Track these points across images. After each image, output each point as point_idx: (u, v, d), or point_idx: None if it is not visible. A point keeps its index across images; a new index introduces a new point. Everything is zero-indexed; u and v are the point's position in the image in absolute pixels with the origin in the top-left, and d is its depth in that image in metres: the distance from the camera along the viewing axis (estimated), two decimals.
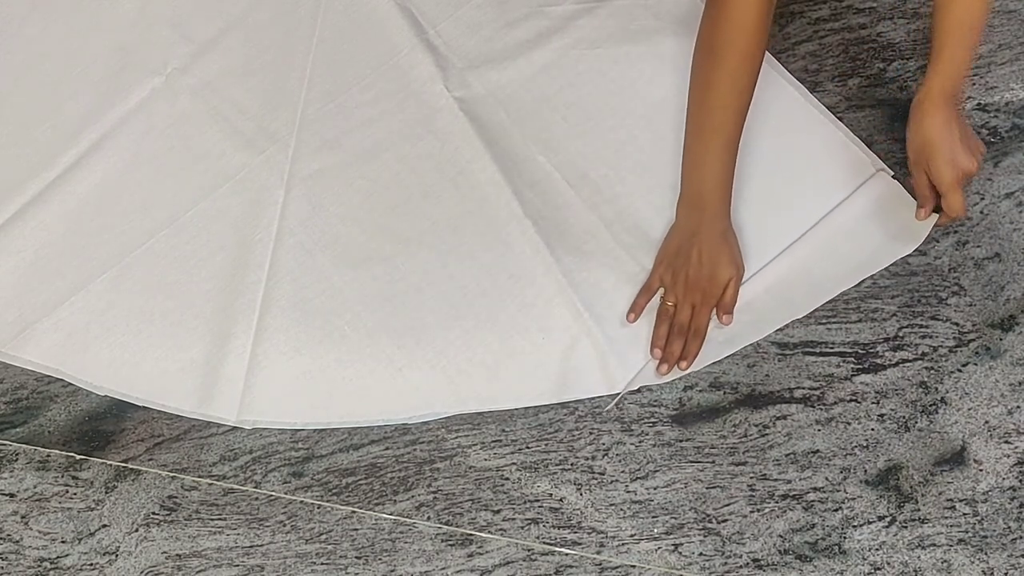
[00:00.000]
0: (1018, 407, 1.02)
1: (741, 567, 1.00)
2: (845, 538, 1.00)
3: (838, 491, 1.01)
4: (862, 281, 1.09)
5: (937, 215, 1.05)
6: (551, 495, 1.05)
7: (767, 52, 1.07)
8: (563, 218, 1.14)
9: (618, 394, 1.06)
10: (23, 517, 1.10)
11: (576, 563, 1.01)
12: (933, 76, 1.02)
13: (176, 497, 1.09)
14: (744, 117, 1.04)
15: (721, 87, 1.02)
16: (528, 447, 1.07)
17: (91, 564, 1.07)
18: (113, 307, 1.15)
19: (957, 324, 1.06)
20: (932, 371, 1.05)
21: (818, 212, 1.10)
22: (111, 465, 1.11)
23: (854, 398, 1.05)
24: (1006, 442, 1.01)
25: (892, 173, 1.11)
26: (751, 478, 1.03)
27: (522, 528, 1.04)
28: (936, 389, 1.04)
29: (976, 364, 1.05)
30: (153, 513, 1.09)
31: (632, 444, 1.06)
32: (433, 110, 1.21)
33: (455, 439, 1.08)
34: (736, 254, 1.07)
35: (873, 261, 1.09)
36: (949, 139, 1.02)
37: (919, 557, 0.98)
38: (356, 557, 1.04)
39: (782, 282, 1.08)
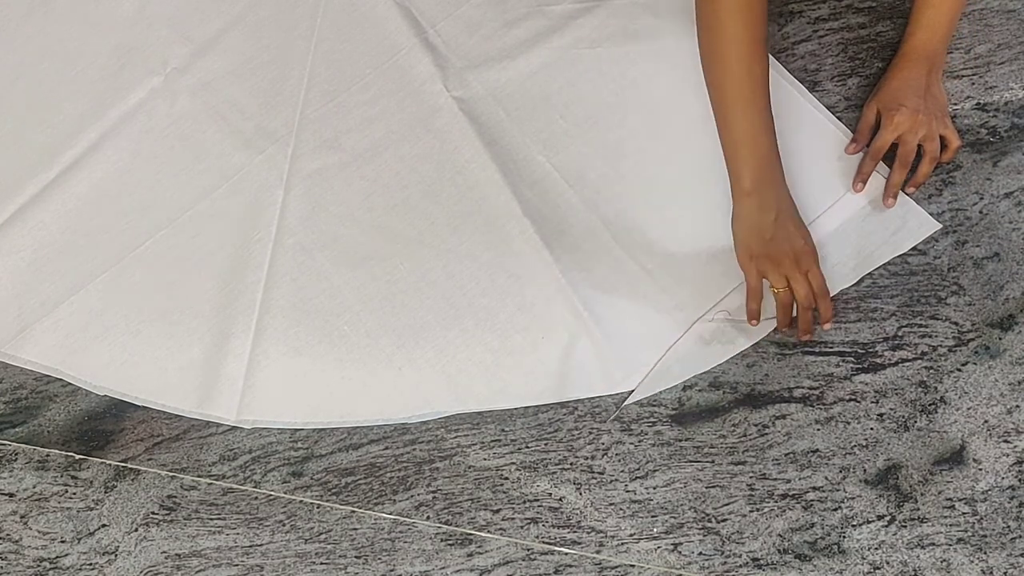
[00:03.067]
0: (1017, 406, 1.03)
1: (740, 566, 1.00)
2: (844, 537, 1.00)
3: (837, 490, 1.02)
4: (861, 280, 1.09)
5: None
6: (550, 495, 1.05)
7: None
8: (563, 217, 1.14)
9: (624, 399, 1.06)
10: (22, 517, 1.10)
11: (575, 562, 1.01)
12: (909, 36, 1.06)
13: (175, 497, 1.09)
14: (767, 89, 1.03)
15: (735, 78, 1.02)
16: (527, 447, 1.07)
17: (90, 564, 1.07)
18: (112, 307, 1.15)
19: (956, 323, 1.06)
20: (931, 370, 1.05)
21: (816, 212, 1.10)
22: (110, 465, 1.11)
23: (853, 397, 1.05)
24: (1005, 441, 1.01)
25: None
26: (750, 477, 1.03)
27: (521, 527, 1.04)
28: (935, 388, 1.04)
29: (975, 363, 1.05)
30: (152, 513, 1.09)
31: (631, 444, 1.06)
32: (432, 109, 1.21)
33: (454, 439, 1.08)
34: (799, 216, 1.05)
35: (872, 258, 1.09)
36: (915, 94, 1.05)
37: (918, 556, 0.98)
38: (355, 557, 1.04)
39: None
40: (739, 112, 1.03)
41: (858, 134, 1.12)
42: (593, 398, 1.08)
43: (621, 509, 1.03)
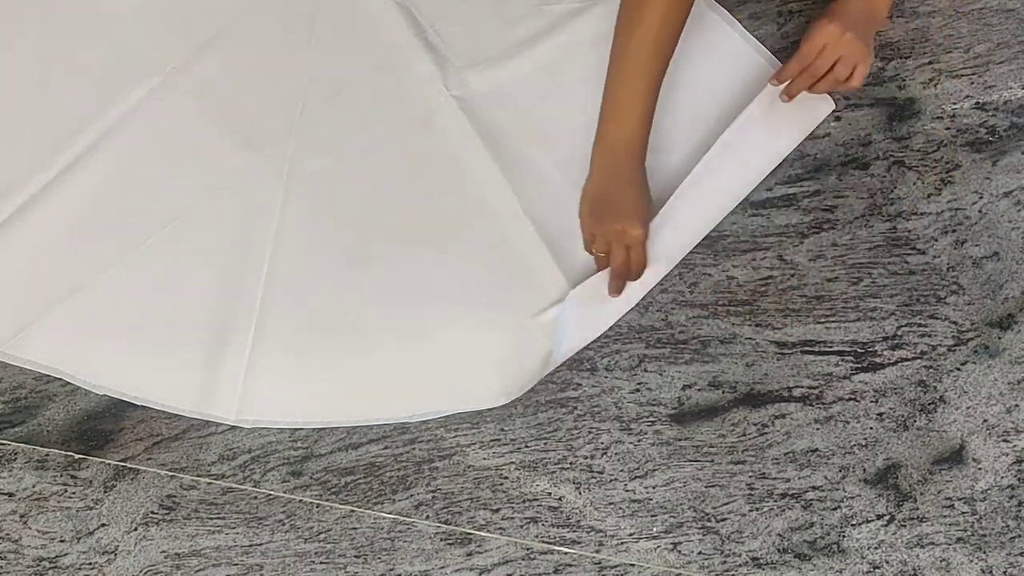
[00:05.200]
0: (1016, 406, 1.03)
1: (740, 566, 1.00)
2: (844, 537, 1.00)
3: (837, 490, 1.02)
4: (860, 280, 1.09)
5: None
6: (550, 494, 1.05)
7: None
8: (563, 217, 1.14)
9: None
10: (22, 516, 1.10)
11: (575, 562, 1.01)
12: None
13: (175, 496, 1.09)
14: (668, 63, 1.05)
15: (649, 31, 1.03)
16: (527, 446, 1.07)
17: (90, 563, 1.07)
18: (112, 306, 1.15)
19: (956, 323, 1.06)
20: (931, 370, 1.05)
21: (727, 122, 1.12)
22: (110, 464, 1.11)
23: (853, 397, 1.05)
24: (1004, 441, 1.01)
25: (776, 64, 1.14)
26: (750, 477, 1.03)
27: (521, 527, 1.04)
28: (935, 388, 1.04)
29: (975, 363, 1.05)
30: (152, 512, 1.09)
31: (631, 443, 1.06)
32: (432, 109, 1.20)
33: (454, 438, 1.08)
34: (649, 195, 1.09)
35: (773, 152, 1.12)
36: (854, 22, 1.07)
37: (918, 556, 0.98)
38: (355, 556, 1.04)
39: (712, 176, 1.11)
40: (633, 72, 1.04)
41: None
42: (593, 398, 1.08)
43: (620, 508, 1.03)
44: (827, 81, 1.10)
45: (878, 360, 1.06)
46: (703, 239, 1.12)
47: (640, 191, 1.08)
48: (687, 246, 1.11)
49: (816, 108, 1.14)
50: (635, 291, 1.09)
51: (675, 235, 1.10)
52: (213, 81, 1.25)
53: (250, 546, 1.06)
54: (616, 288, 1.07)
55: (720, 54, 1.16)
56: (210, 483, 1.09)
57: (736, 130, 1.11)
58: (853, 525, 1.00)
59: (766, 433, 1.04)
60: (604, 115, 1.09)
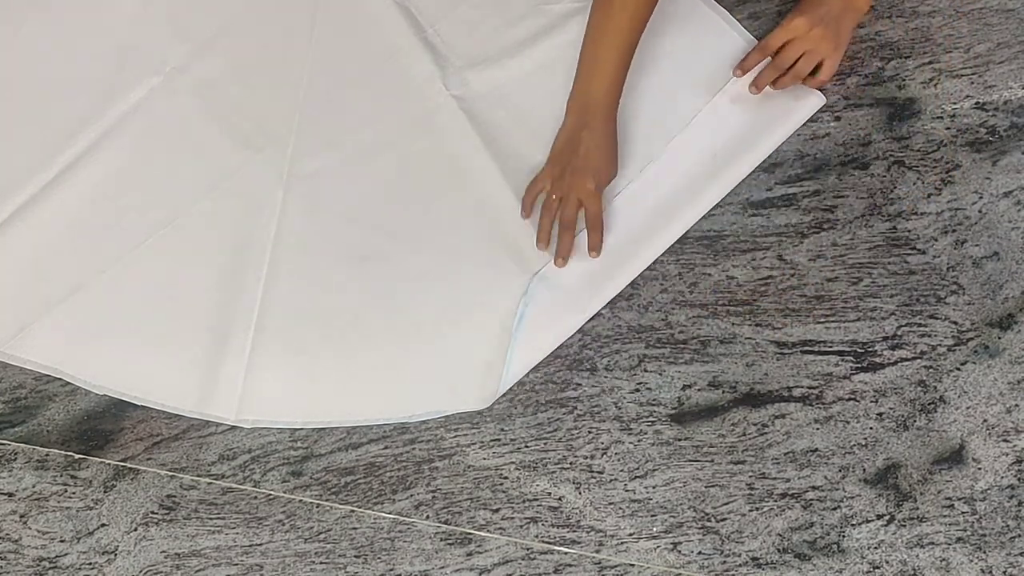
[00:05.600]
0: (1016, 406, 1.03)
1: (740, 566, 1.00)
2: (844, 537, 1.00)
3: (837, 490, 1.02)
4: (860, 280, 1.09)
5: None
6: (550, 494, 1.05)
7: None
8: None
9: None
10: (22, 516, 1.10)
11: (575, 562, 1.02)
12: None
13: (175, 496, 1.09)
14: (644, 25, 1.07)
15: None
16: (527, 446, 1.07)
17: (90, 563, 1.07)
18: (111, 306, 1.15)
19: (956, 323, 1.06)
20: (931, 370, 1.05)
21: (703, 102, 1.15)
22: (110, 464, 1.11)
23: (853, 397, 1.05)
24: (1004, 440, 1.02)
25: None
26: (750, 477, 1.03)
27: (521, 527, 1.04)
28: (935, 388, 1.04)
29: (975, 363, 1.05)
30: (152, 512, 1.09)
31: (631, 443, 1.06)
32: (432, 109, 1.21)
33: (454, 438, 1.08)
34: (615, 157, 1.11)
35: (763, 145, 1.13)
36: (824, 15, 1.11)
37: (918, 556, 0.98)
38: (355, 556, 1.04)
39: (687, 171, 1.13)
40: (612, 32, 1.07)
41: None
42: (593, 398, 1.08)
43: (620, 508, 1.03)
44: (791, 75, 1.11)
45: (878, 360, 1.06)
46: (702, 239, 1.12)
47: (606, 147, 1.10)
48: (658, 250, 1.11)
49: (804, 103, 1.14)
50: (592, 302, 1.09)
51: (646, 239, 1.11)
52: (213, 81, 1.25)
53: (250, 546, 1.06)
54: (563, 249, 1.08)
55: (702, 38, 1.18)
56: (210, 483, 1.09)
57: (705, 123, 1.13)
58: (853, 525, 1.00)
59: (766, 433, 1.05)
60: (580, 71, 1.11)
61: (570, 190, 1.09)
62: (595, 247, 1.09)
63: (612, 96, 1.10)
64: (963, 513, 0.99)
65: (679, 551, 1.01)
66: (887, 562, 0.98)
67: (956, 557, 0.98)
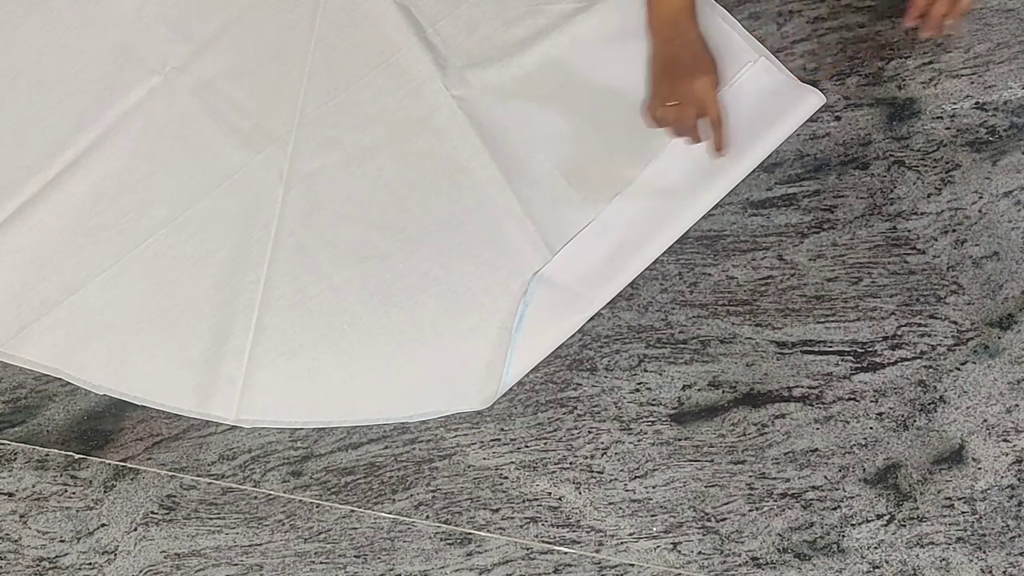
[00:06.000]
0: (1016, 405, 1.03)
1: (740, 566, 1.00)
2: (844, 536, 1.00)
3: (837, 490, 1.02)
4: (860, 280, 1.09)
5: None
6: (550, 494, 1.05)
7: None
8: (563, 216, 1.14)
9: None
10: (22, 516, 1.10)
11: (575, 562, 1.02)
12: None
13: (175, 496, 1.09)
14: None
15: None
16: (527, 446, 1.07)
17: (90, 563, 1.07)
18: (112, 306, 1.15)
19: (956, 323, 1.06)
20: (931, 370, 1.05)
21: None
22: (110, 464, 1.11)
23: (853, 397, 1.05)
24: (1004, 440, 1.02)
25: (771, 57, 1.15)
26: (750, 477, 1.03)
27: (521, 527, 1.04)
28: (935, 388, 1.04)
29: (975, 363, 1.05)
30: (152, 512, 1.09)
31: (631, 443, 1.06)
32: (432, 108, 1.20)
33: (454, 438, 1.08)
34: (711, 55, 1.10)
35: (763, 144, 1.12)
36: None
37: (918, 555, 0.98)
38: (355, 556, 1.04)
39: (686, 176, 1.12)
40: None
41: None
42: (593, 398, 1.08)
43: (620, 508, 1.03)
44: (943, 3, 1.07)
45: (878, 360, 1.06)
46: (702, 239, 1.12)
47: (703, 46, 1.10)
48: (658, 250, 1.11)
49: (804, 103, 1.14)
50: (593, 303, 1.09)
51: (642, 251, 1.11)
52: (213, 81, 1.25)
53: (250, 546, 1.06)
54: (717, 140, 1.08)
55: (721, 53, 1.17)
56: (210, 483, 1.09)
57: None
58: (853, 525, 1.00)
59: (766, 433, 1.05)
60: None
61: (686, 97, 1.08)
62: (722, 145, 1.09)
63: (692, 7, 1.10)
64: (963, 513, 0.99)
65: (679, 551, 1.01)
66: (887, 562, 0.98)
67: (956, 557, 0.98)
